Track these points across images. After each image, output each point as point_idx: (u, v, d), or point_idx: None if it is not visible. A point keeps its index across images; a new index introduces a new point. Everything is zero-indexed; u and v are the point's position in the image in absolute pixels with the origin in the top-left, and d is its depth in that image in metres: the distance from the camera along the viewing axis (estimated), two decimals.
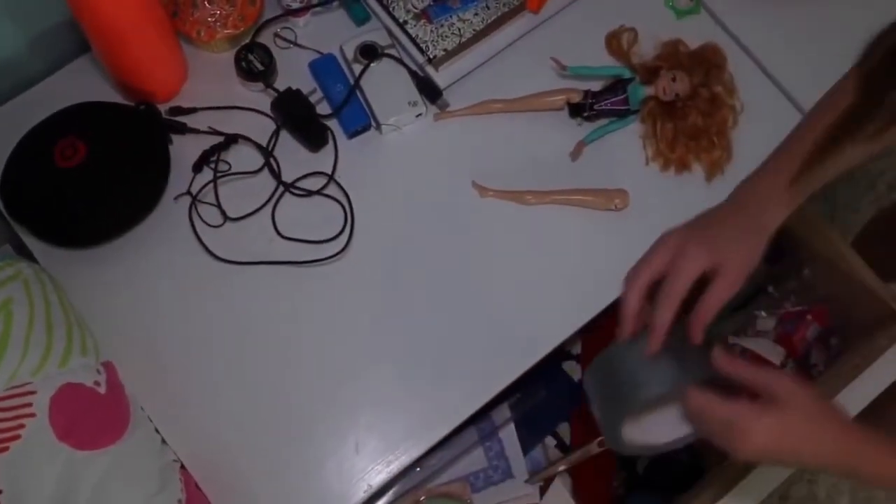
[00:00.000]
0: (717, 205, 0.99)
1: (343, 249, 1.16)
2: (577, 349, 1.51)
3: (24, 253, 1.15)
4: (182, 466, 1.07)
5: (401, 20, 1.23)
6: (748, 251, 0.95)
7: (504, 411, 1.37)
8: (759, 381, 0.86)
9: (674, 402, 0.94)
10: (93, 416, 0.99)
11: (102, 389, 1.02)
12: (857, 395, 1.22)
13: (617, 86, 1.24)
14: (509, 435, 1.37)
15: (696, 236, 0.95)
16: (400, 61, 1.24)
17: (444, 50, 1.22)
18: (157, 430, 1.08)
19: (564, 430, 1.46)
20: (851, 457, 0.87)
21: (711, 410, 0.87)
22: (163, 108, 1.20)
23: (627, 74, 1.25)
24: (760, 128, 1.25)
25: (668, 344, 0.90)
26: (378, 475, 1.10)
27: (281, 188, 1.19)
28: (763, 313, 1.47)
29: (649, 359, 0.91)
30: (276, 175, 1.19)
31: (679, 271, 0.92)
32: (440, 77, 1.23)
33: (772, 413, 0.84)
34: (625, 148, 1.25)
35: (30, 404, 0.95)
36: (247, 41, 1.23)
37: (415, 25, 1.23)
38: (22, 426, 0.94)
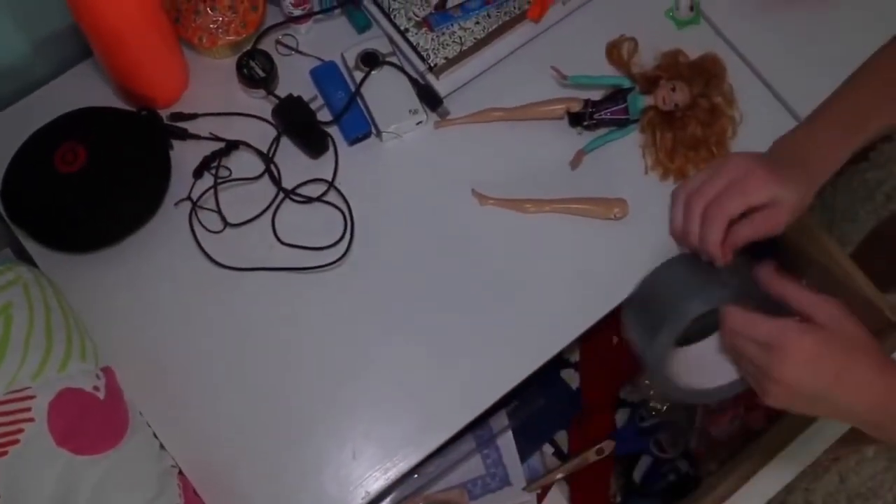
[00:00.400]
0: (776, 147, 0.96)
1: (343, 256, 1.17)
2: (575, 357, 1.51)
3: (25, 257, 1.15)
4: (180, 472, 1.07)
5: (402, 28, 1.23)
6: (803, 198, 0.91)
7: (502, 419, 1.37)
8: (804, 302, 0.82)
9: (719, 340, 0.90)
10: (92, 421, 1.00)
11: (101, 394, 1.02)
12: None
13: (617, 95, 1.24)
14: (507, 442, 1.37)
15: (769, 165, 0.90)
16: (401, 69, 1.24)
17: (445, 58, 1.22)
18: (155, 436, 1.08)
19: (562, 437, 1.46)
20: (887, 396, 0.82)
21: (752, 327, 0.83)
22: (164, 113, 1.20)
23: (627, 84, 1.25)
24: (759, 138, 1.25)
25: (712, 268, 0.87)
26: (376, 482, 1.10)
27: (281, 194, 1.19)
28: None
29: (693, 277, 0.88)
30: (277, 181, 1.20)
31: (745, 190, 0.88)
32: (441, 85, 1.24)
33: (815, 332, 0.80)
34: (624, 157, 1.25)
35: (29, 409, 0.95)
36: (248, 48, 1.24)
37: (416, 33, 1.23)
38: (21, 431, 0.94)
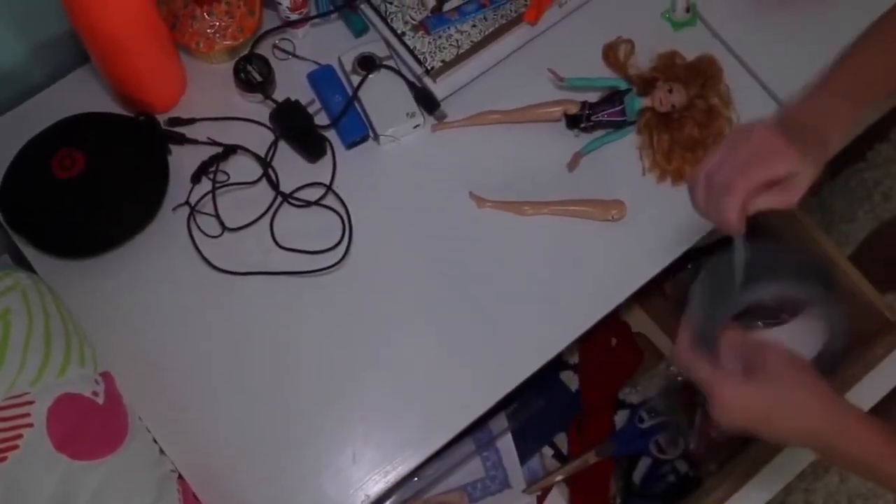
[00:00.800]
0: (789, 116, 0.93)
1: (341, 260, 1.17)
2: (574, 359, 1.52)
3: (23, 263, 1.15)
4: (180, 476, 1.07)
5: (399, 32, 1.24)
6: (817, 172, 0.89)
7: (501, 421, 1.37)
8: (748, 352, 0.87)
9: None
10: (91, 426, 1.00)
11: (100, 400, 1.02)
12: (855, 404, 1.22)
13: (614, 97, 1.24)
14: (506, 445, 1.37)
15: (788, 138, 0.88)
16: (398, 72, 1.24)
17: (442, 61, 1.22)
18: (154, 441, 1.08)
19: (561, 440, 1.47)
20: (825, 430, 0.87)
21: (694, 370, 0.88)
22: (162, 118, 1.20)
23: (624, 86, 1.25)
24: None
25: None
26: (375, 485, 1.10)
27: (279, 199, 1.19)
28: (759, 324, 1.47)
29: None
30: (275, 185, 1.20)
31: (767, 163, 0.87)
32: (438, 88, 1.24)
33: (741, 385, 0.85)
34: (621, 159, 1.25)
35: (28, 414, 0.95)
36: (245, 52, 1.24)
37: (413, 37, 1.23)
38: (20, 436, 0.94)
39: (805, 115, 0.93)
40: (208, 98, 1.24)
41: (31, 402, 0.95)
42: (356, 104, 1.23)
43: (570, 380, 1.50)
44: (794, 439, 0.90)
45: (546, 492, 1.42)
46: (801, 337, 1.00)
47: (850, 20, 1.32)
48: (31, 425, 0.94)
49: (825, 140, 0.91)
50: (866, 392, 1.22)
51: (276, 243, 1.18)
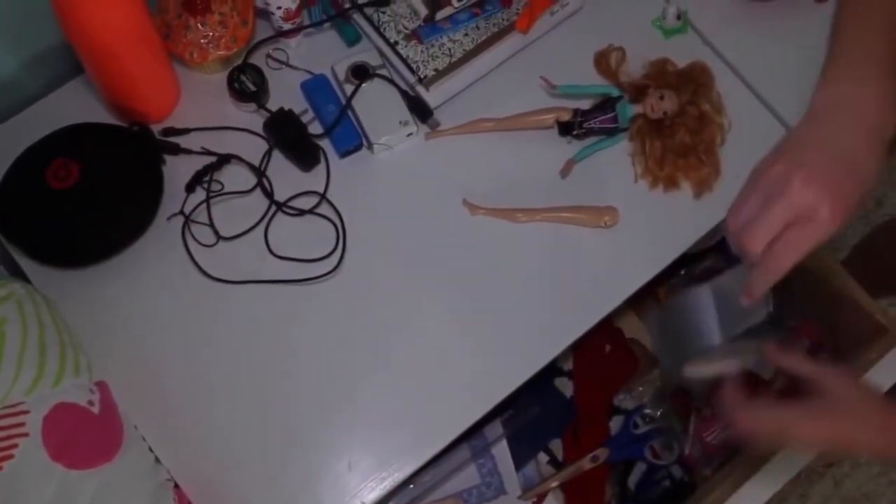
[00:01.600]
0: (812, 118, 0.89)
1: (335, 268, 1.17)
2: (569, 365, 1.52)
3: (18, 273, 1.16)
4: (175, 485, 1.07)
5: (392, 41, 1.24)
6: (865, 174, 0.86)
7: (497, 428, 1.38)
8: (811, 375, 0.86)
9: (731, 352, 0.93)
10: (86, 435, 1.00)
11: (96, 409, 1.02)
12: None
13: (606, 104, 1.25)
14: (502, 451, 1.38)
15: (805, 164, 0.85)
16: (391, 81, 1.25)
17: (435, 70, 1.23)
18: (150, 450, 1.08)
19: (557, 446, 1.47)
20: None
21: (762, 423, 0.87)
22: (156, 128, 1.21)
23: (616, 93, 1.26)
24: (748, 145, 1.26)
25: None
26: (371, 492, 1.10)
27: (273, 207, 1.20)
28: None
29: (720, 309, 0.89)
30: (269, 194, 1.20)
31: (777, 205, 0.85)
32: (431, 96, 1.24)
33: (819, 421, 0.85)
34: (614, 166, 1.25)
35: (23, 424, 0.95)
36: (239, 62, 1.24)
37: (406, 46, 1.24)
38: (15, 446, 0.94)
39: (842, 101, 0.89)
40: (202, 108, 1.24)
41: (26, 412, 0.95)
42: (349, 113, 1.23)
43: (565, 386, 1.50)
44: (869, 453, 0.89)
45: (541, 498, 1.43)
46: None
47: None
48: (26, 435, 0.94)
49: (877, 123, 0.86)
50: None
51: (271, 252, 1.18)
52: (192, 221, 1.18)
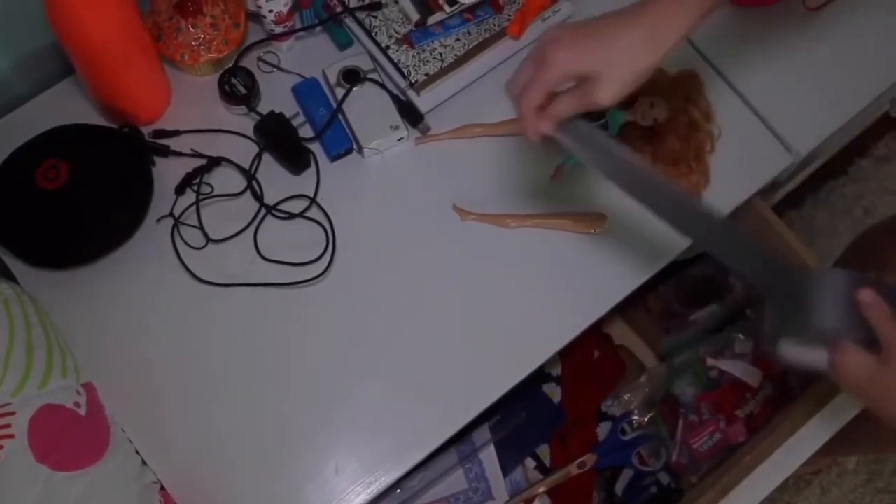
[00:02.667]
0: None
1: (324, 272, 1.17)
2: (557, 371, 1.52)
3: (6, 274, 1.15)
4: (162, 488, 1.07)
5: (383, 45, 1.24)
6: (633, 58, 0.88)
7: (484, 433, 1.38)
8: (883, 332, 0.84)
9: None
10: (72, 437, 1.00)
11: (82, 411, 1.02)
12: (833, 417, 1.23)
13: (596, 111, 1.25)
14: (489, 456, 1.38)
15: (571, 39, 0.88)
16: (382, 86, 1.25)
17: (426, 74, 1.23)
18: (137, 452, 1.08)
19: (544, 451, 1.47)
20: None
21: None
22: (146, 130, 1.20)
23: None
24: (737, 153, 1.27)
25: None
26: (358, 497, 1.10)
27: (263, 210, 1.20)
28: (741, 336, 1.49)
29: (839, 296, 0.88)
30: (259, 197, 1.20)
31: (541, 77, 0.88)
32: (422, 101, 1.25)
33: (865, 365, 0.84)
34: None
35: (9, 425, 0.95)
36: (230, 65, 1.24)
37: (397, 50, 1.24)
38: (0, 447, 0.94)
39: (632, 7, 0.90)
40: (193, 110, 1.24)
41: (12, 413, 0.95)
42: (340, 117, 1.24)
43: (553, 392, 1.50)
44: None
45: (529, 503, 1.43)
46: None
47: (829, 36, 1.35)
48: (11, 436, 0.94)
49: (663, 19, 0.88)
50: (846, 405, 1.23)
51: (260, 255, 1.18)
52: (182, 224, 1.18)
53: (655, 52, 0.88)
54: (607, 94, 0.88)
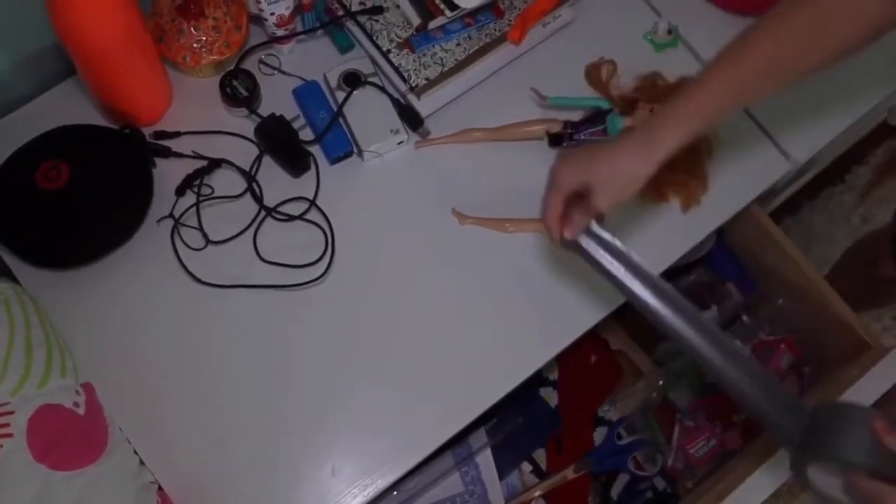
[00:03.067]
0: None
1: (323, 274, 1.17)
2: (554, 375, 1.52)
3: (6, 274, 1.15)
4: (160, 488, 1.07)
5: (384, 49, 1.25)
6: (623, 170, 0.99)
7: (481, 436, 1.38)
8: None
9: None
10: (71, 436, 1.00)
11: (81, 410, 1.02)
12: None
13: (596, 117, 1.25)
14: (486, 460, 1.38)
15: (570, 159, 1.01)
16: (382, 89, 1.25)
17: (427, 79, 1.23)
18: (135, 452, 1.08)
19: (540, 455, 1.47)
20: None
21: (858, 488, 0.90)
22: (147, 131, 1.21)
23: (606, 106, 1.26)
24: (736, 160, 1.28)
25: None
26: (354, 499, 1.10)
27: (263, 212, 1.20)
28: (738, 342, 1.49)
29: (865, 434, 0.92)
30: (259, 200, 1.20)
31: (551, 194, 1.02)
32: (422, 105, 1.25)
33: None
34: None
35: (8, 424, 0.95)
36: (231, 67, 1.25)
37: (398, 54, 1.24)
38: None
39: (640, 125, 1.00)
40: (194, 112, 1.24)
41: (10, 413, 0.95)
42: (341, 120, 1.24)
43: (550, 396, 1.50)
44: None
45: None
46: None
47: None
48: (10, 435, 0.94)
49: (649, 137, 0.97)
50: None
51: (260, 257, 1.18)
52: (182, 225, 1.18)
53: (645, 167, 0.98)
54: (603, 202, 0.99)
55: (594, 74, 1.30)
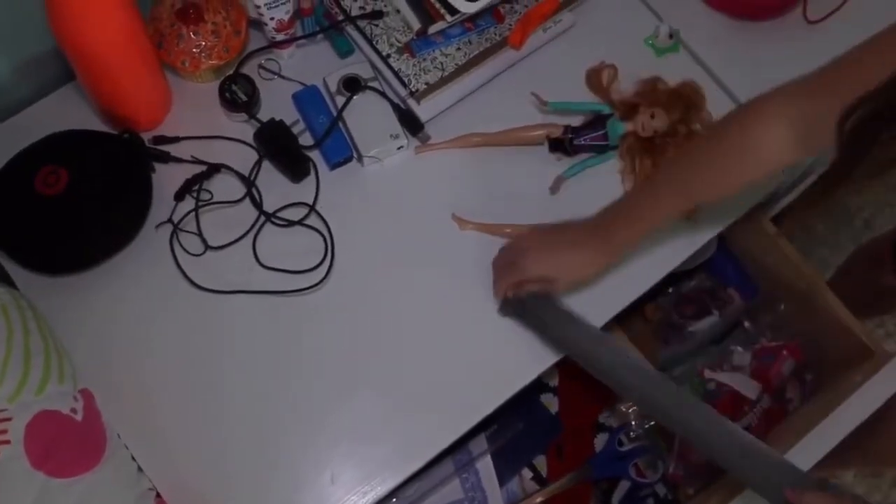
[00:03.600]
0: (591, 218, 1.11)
1: (323, 280, 1.17)
2: (554, 381, 1.52)
3: (5, 279, 1.15)
4: (158, 495, 1.07)
5: (384, 53, 1.24)
6: (585, 268, 1.10)
7: (481, 443, 1.37)
8: None
9: None
10: (68, 443, 0.99)
11: (79, 417, 1.02)
12: (832, 431, 1.23)
13: (596, 121, 1.25)
14: (486, 466, 1.37)
15: (533, 251, 1.12)
16: (382, 94, 1.25)
17: (427, 83, 1.23)
18: (133, 458, 1.08)
19: (541, 462, 1.47)
20: None
21: None
22: (146, 136, 1.20)
23: (607, 110, 1.26)
24: None
25: None
26: None
27: (262, 218, 1.20)
28: (739, 348, 1.48)
29: None
30: (258, 205, 1.20)
31: (517, 273, 1.12)
32: (422, 110, 1.25)
33: None
34: (604, 183, 1.26)
35: (5, 431, 0.94)
36: (231, 72, 1.24)
37: (398, 59, 1.24)
38: None
39: (597, 219, 1.10)
40: (193, 117, 1.24)
41: (8, 419, 0.95)
42: (340, 125, 1.24)
43: (550, 402, 1.50)
44: None
45: None
46: None
47: (831, 48, 1.34)
48: (7, 442, 0.94)
49: (613, 235, 1.08)
50: (843, 419, 1.23)
51: (259, 262, 1.18)
52: (181, 230, 1.18)
53: (602, 262, 1.10)
54: (562, 289, 1.12)
55: (595, 79, 1.29)
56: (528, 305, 1.13)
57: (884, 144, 0.94)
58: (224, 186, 1.21)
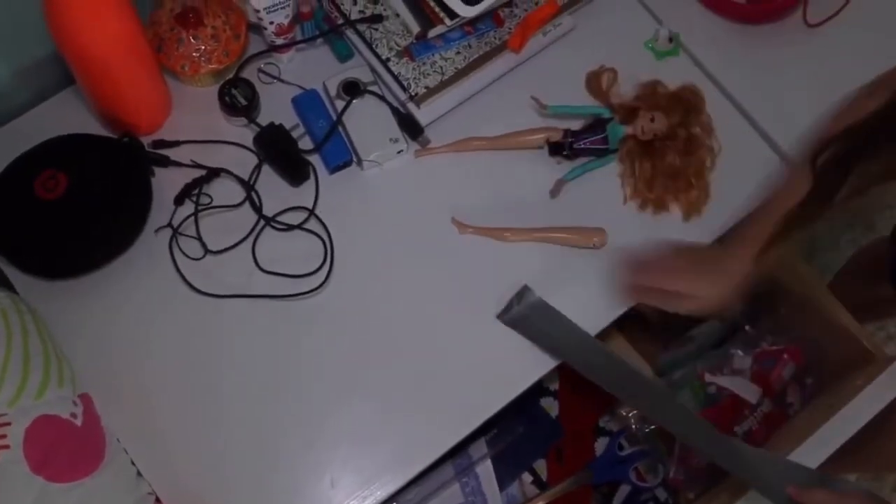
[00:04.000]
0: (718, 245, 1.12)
1: (322, 284, 1.17)
2: (555, 385, 1.52)
3: (4, 283, 1.15)
4: (157, 499, 1.07)
5: (384, 57, 1.24)
6: (720, 295, 1.10)
7: (481, 447, 1.37)
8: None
9: None
10: (68, 448, 0.99)
11: (79, 421, 1.02)
12: (832, 435, 1.23)
13: (596, 125, 1.25)
14: (486, 470, 1.37)
15: (694, 264, 1.12)
16: (382, 98, 1.25)
17: (426, 87, 1.23)
18: (132, 463, 1.07)
19: (541, 466, 1.47)
20: None
21: None
22: (146, 140, 1.20)
23: (607, 114, 1.26)
24: (738, 169, 1.27)
25: None
26: None
27: (262, 222, 1.20)
28: (740, 352, 1.48)
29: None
30: (258, 209, 1.20)
31: (667, 280, 1.11)
32: (422, 114, 1.24)
33: None
34: (603, 187, 1.26)
35: (4, 435, 0.94)
36: (231, 76, 1.24)
37: (397, 63, 1.24)
38: None
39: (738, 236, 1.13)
40: (193, 121, 1.24)
41: (7, 424, 0.95)
42: (340, 129, 1.23)
43: (551, 406, 1.50)
44: None
45: None
46: None
47: (832, 52, 1.35)
48: (7, 447, 0.94)
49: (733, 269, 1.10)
50: (844, 423, 1.23)
51: (259, 266, 1.18)
52: (180, 234, 1.18)
53: (727, 287, 1.11)
54: (692, 308, 1.11)
55: (595, 83, 1.29)
56: (530, 312, 1.13)
57: (861, 175, 0.99)
58: (224, 190, 1.21)
